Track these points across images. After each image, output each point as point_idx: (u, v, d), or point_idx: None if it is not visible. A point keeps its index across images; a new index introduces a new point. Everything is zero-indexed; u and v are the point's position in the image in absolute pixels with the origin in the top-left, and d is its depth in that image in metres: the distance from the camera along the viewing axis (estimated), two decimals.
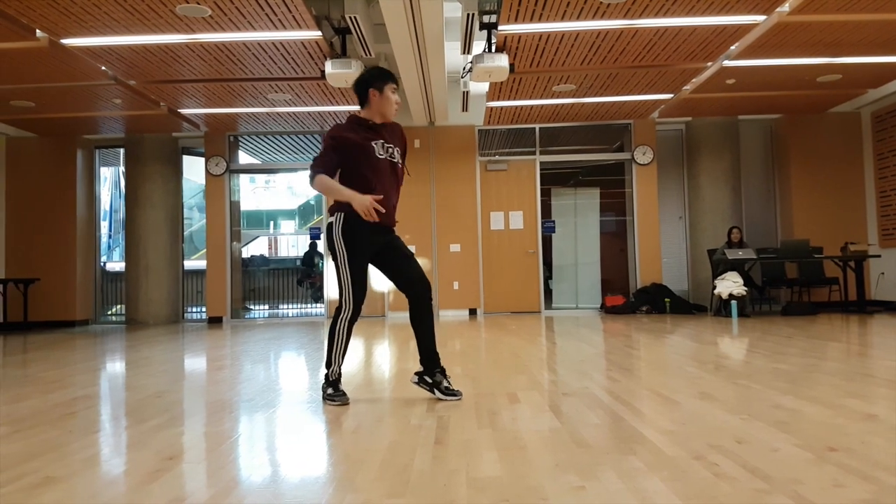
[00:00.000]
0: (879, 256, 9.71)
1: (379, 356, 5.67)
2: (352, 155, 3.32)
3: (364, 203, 3.19)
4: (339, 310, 3.40)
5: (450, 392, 3.42)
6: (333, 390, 3.41)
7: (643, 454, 2.32)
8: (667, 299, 10.16)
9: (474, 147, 10.60)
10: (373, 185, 3.32)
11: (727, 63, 7.70)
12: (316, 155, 3.36)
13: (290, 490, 2.05)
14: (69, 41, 6.52)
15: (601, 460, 2.26)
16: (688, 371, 4.28)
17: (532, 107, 9.54)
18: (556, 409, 3.13)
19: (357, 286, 3.36)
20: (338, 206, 3.34)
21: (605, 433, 2.67)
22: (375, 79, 3.39)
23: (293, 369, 5.16)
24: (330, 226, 3.37)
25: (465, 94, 9.24)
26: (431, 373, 3.45)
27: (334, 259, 3.40)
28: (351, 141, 3.32)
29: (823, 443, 2.40)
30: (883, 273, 9.95)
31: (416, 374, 3.51)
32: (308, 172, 3.35)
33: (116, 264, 12.60)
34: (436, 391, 3.43)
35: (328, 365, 3.43)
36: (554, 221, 11.11)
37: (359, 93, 3.42)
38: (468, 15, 6.34)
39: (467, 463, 2.27)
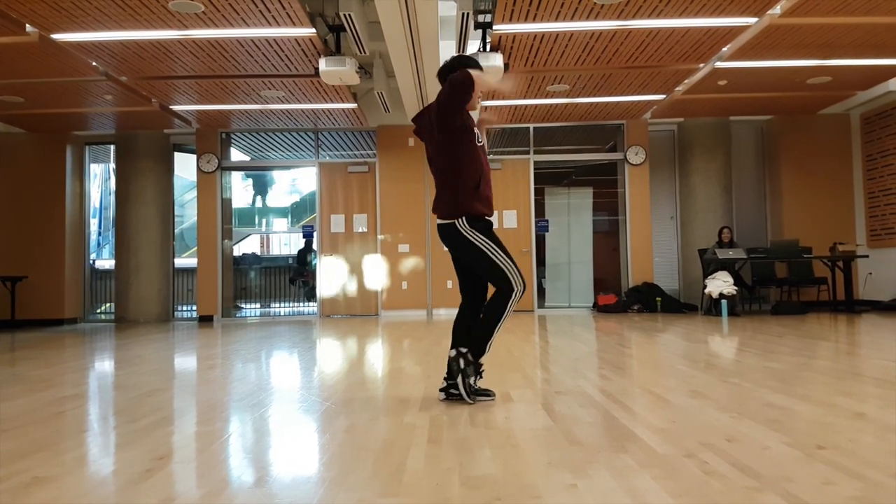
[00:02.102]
0: (867, 257, 9.78)
1: (372, 354, 5.67)
2: (465, 137, 3.29)
3: (493, 117, 3.25)
4: (504, 295, 3.23)
5: (484, 392, 3.37)
6: (474, 382, 3.30)
7: (635, 452, 2.33)
8: (658, 298, 10.20)
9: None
10: (482, 171, 3.32)
11: (719, 64, 7.73)
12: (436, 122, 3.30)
13: (281, 490, 2.05)
14: (59, 36, 6.47)
15: (594, 458, 2.27)
16: (679, 369, 4.30)
17: (526, 106, 9.55)
18: (550, 408, 3.14)
19: (516, 264, 3.30)
20: (455, 211, 3.26)
21: (597, 431, 2.68)
22: (462, 65, 3.33)
23: (285, 369, 5.15)
24: (452, 227, 3.27)
25: None
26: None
27: (471, 254, 3.27)
28: (468, 123, 3.31)
29: (813, 441, 2.41)
30: (871, 273, 10.02)
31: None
32: (447, 116, 3.24)
33: (106, 262, 12.53)
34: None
35: (481, 353, 3.29)
36: (548, 221, 11.13)
37: (444, 78, 3.35)
38: (463, 14, 6.33)
39: (461, 461, 2.27)
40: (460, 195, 3.26)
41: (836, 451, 2.28)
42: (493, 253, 3.24)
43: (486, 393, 3.35)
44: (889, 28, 6.61)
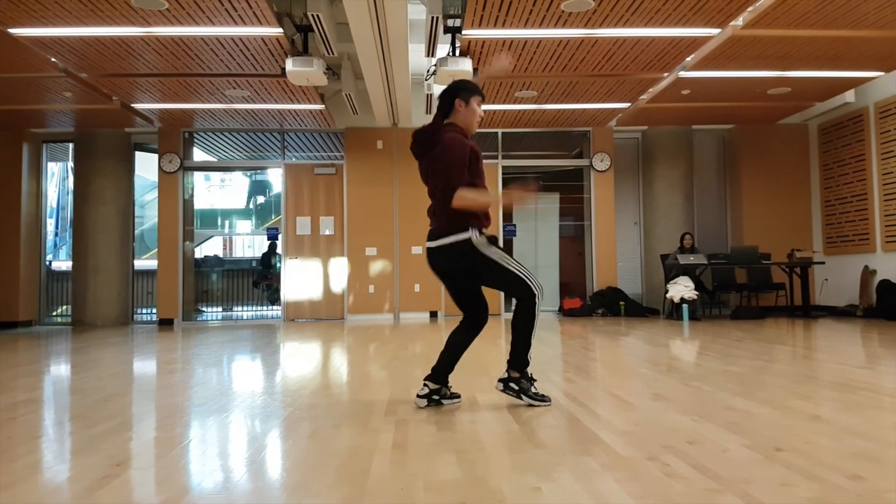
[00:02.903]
0: (824, 263, 10.03)
1: (337, 359, 5.63)
2: (475, 166, 3.24)
3: (523, 194, 3.16)
4: (526, 301, 3.21)
5: (452, 396, 3.41)
6: (536, 389, 3.32)
7: (599, 455, 2.34)
8: (622, 302, 10.32)
9: None
10: (484, 185, 3.29)
11: (683, 74, 7.87)
12: (443, 175, 3.17)
13: (243, 496, 2.02)
14: (17, 31, 6.30)
15: (558, 461, 2.28)
16: (642, 373, 4.35)
17: (495, 111, 9.60)
18: (515, 411, 3.15)
19: (530, 271, 3.27)
20: (465, 224, 3.19)
21: (562, 434, 2.69)
22: (461, 90, 3.32)
23: (247, 374, 5.08)
24: (465, 244, 3.18)
25: (429, 97, 9.25)
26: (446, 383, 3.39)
27: (490, 268, 3.21)
28: (474, 150, 3.25)
29: (771, 443, 2.46)
30: (827, 279, 10.28)
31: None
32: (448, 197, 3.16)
33: (63, 263, 12.25)
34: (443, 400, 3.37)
35: (526, 364, 3.29)
36: (515, 225, 11.19)
37: (445, 101, 3.33)
38: (432, 18, 6.34)
39: (426, 466, 2.26)
40: (470, 212, 3.21)
41: (793, 453, 2.33)
42: (508, 263, 3.23)
43: (544, 398, 3.33)
44: (846, 41, 6.80)
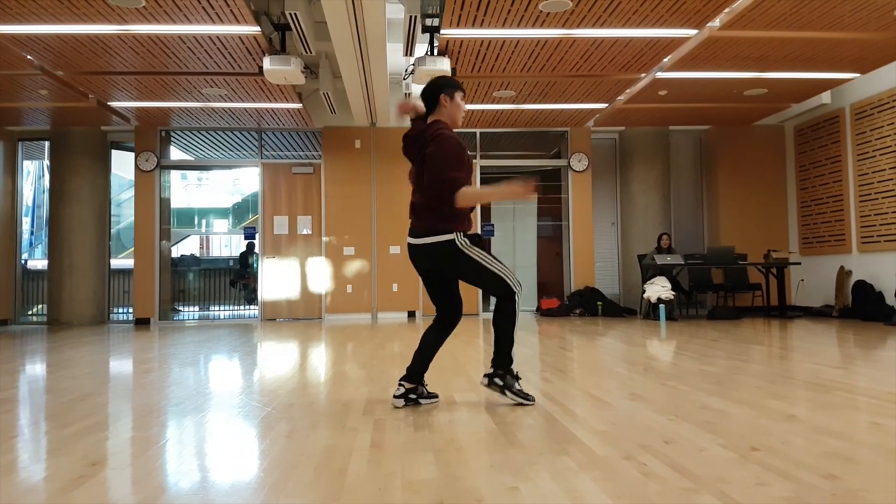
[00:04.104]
0: (799, 264, 10.17)
1: (315, 358, 5.60)
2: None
3: (526, 187, 3.15)
4: (506, 298, 3.24)
5: (430, 395, 3.42)
6: (520, 386, 3.33)
7: (576, 454, 2.36)
8: (599, 302, 10.38)
9: None
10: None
11: (660, 75, 7.94)
12: (438, 169, 3.16)
13: (220, 496, 2.00)
14: None
15: (535, 461, 2.29)
16: (619, 372, 4.38)
17: (473, 111, 9.61)
18: (493, 411, 3.15)
19: (509, 270, 3.29)
20: (449, 226, 3.20)
21: (539, 434, 2.70)
22: (445, 86, 3.34)
23: (224, 373, 5.04)
24: (450, 245, 3.19)
25: (407, 96, 9.24)
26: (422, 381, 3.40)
27: (471, 268, 3.24)
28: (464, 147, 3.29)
29: (747, 443, 2.49)
30: (803, 280, 10.43)
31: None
32: (444, 192, 3.17)
33: (38, 262, 12.07)
34: (421, 400, 3.37)
35: (510, 361, 3.30)
36: (493, 225, 11.21)
37: (429, 98, 3.34)
38: (411, 17, 6.33)
39: (403, 466, 2.26)
40: (457, 212, 3.21)
41: (768, 452, 2.36)
42: (489, 263, 3.25)
43: (528, 397, 3.34)
44: (822, 43, 6.90)
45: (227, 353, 6.11)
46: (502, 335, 3.29)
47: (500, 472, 2.17)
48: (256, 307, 10.89)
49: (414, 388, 3.35)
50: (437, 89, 3.34)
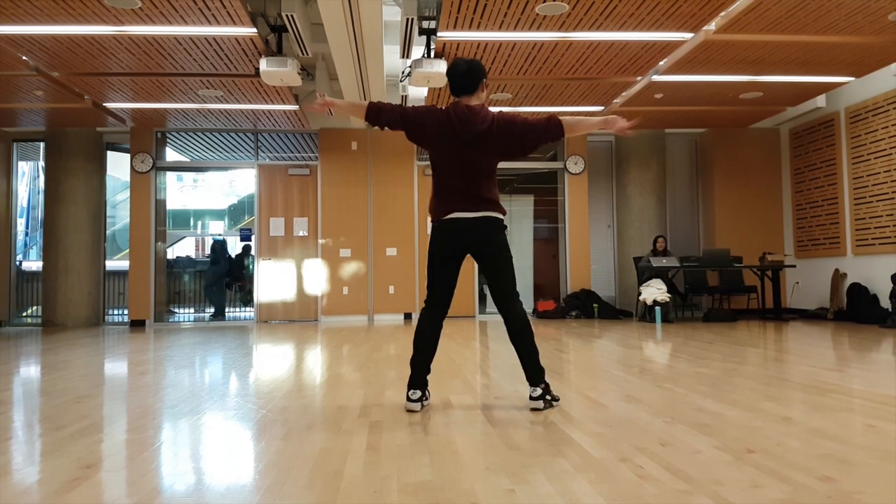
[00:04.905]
0: (795, 266, 10.20)
1: (311, 361, 5.59)
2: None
3: (624, 123, 3.30)
4: (517, 297, 3.35)
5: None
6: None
7: (571, 456, 2.36)
8: (595, 305, 10.40)
9: (412, 151, 10.59)
10: None
11: (656, 78, 7.95)
12: (531, 126, 3.32)
13: (215, 499, 2.00)
14: None
15: (531, 463, 2.29)
16: (615, 375, 4.39)
17: None
18: (489, 413, 3.15)
19: None
20: (503, 210, 3.34)
21: (535, 436, 2.70)
22: (485, 74, 3.39)
23: (220, 375, 5.03)
24: (502, 224, 3.32)
25: (404, 98, 9.23)
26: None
27: (505, 252, 3.31)
28: None
29: (743, 445, 2.49)
30: (798, 282, 10.46)
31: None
32: (554, 135, 3.33)
33: (33, 263, 12.02)
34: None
35: (542, 368, 3.29)
36: None
37: (472, 79, 3.33)
38: (407, 19, 6.33)
39: (399, 468, 2.26)
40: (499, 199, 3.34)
41: (764, 454, 2.36)
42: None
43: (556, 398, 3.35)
44: (817, 47, 6.92)
45: (223, 355, 6.09)
46: (531, 348, 3.27)
47: (496, 474, 2.17)
48: (252, 309, 10.87)
49: (424, 390, 3.28)
50: (481, 73, 3.36)
